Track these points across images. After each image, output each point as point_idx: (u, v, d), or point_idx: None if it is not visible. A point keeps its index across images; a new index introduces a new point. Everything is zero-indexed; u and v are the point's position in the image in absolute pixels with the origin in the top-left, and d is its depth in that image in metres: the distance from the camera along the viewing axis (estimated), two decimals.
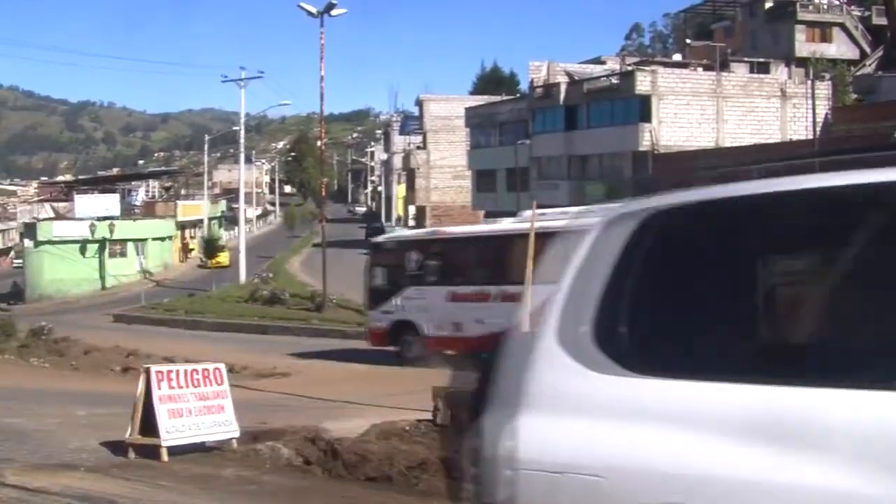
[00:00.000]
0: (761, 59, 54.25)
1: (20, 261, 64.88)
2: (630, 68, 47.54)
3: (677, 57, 61.97)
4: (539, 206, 14.46)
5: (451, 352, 20.16)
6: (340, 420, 12.05)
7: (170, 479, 8.95)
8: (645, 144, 41.87)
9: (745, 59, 54.54)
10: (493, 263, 20.31)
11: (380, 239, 24.06)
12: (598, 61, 63.04)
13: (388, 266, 22.24)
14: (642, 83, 42.65)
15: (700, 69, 47.76)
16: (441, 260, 21.31)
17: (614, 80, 45.13)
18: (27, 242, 58.59)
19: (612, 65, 58.20)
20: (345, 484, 9.01)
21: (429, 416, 11.21)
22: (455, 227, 28.84)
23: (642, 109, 42.57)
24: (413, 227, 64.99)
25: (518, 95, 63.69)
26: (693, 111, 43.32)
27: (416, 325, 21.14)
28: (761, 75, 48.66)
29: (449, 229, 25.99)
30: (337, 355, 24.01)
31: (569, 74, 52.32)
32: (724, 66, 48.58)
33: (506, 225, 21.16)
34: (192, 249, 72.09)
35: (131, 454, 9.80)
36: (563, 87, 47.36)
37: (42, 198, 79.12)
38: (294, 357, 23.89)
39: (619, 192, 42.00)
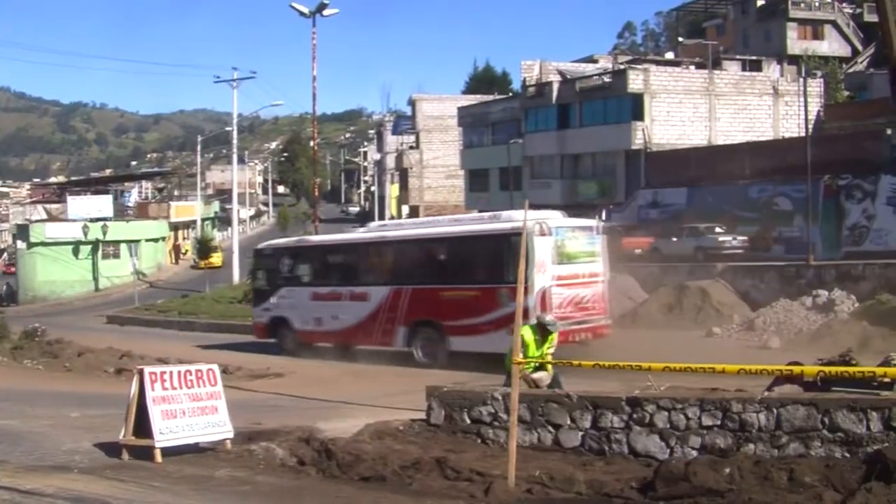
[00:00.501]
0: (753, 57, 54.33)
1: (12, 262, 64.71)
2: (622, 67, 47.56)
3: (669, 55, 62.02)
4: (531, 206, 14.51)
5: (316, 343, 23.11)
6: (334, 420, 12.07)
7: (163, 480, 8.95)
8: (637, 143, 41.93)
9: (738, 56, 54.62)
10: (345, 267, 23.27)
11: (261, 246, 26.58)
12: (590, 60, 63.06)
13: (267, 269, 25.06)
14: (634, 81, 42.70)
15: (692, 67, 47.79)
16: (306, 264, 23.99)
17: (606, 79, 45.14)
18: (20, 244, 58.40)
19: (605, 63, 58.26)
20: (339, 484, 9.02)
21: (422, 415, 11.24)
22: (319, 235, 31.56)
23: (635, 108, 42.60)
24: None
25: (510, 94, 63.65)
26: (685, 109, 43.38)
27: (288, 320, 23.86)
28: (753, 73, 48.71)
29: (313, 238, 28.93)
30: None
31: (561, 73, 52.36)
32: (717, 64, 48.66)
33: (356, 235, 24.25)
34: (186, 251, 71.91)
35: (125, 455, 9.80)
36: (555, 86, 47.36)
37: (34, 199, 79.05)
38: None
39: (611, 191, 42.22)
